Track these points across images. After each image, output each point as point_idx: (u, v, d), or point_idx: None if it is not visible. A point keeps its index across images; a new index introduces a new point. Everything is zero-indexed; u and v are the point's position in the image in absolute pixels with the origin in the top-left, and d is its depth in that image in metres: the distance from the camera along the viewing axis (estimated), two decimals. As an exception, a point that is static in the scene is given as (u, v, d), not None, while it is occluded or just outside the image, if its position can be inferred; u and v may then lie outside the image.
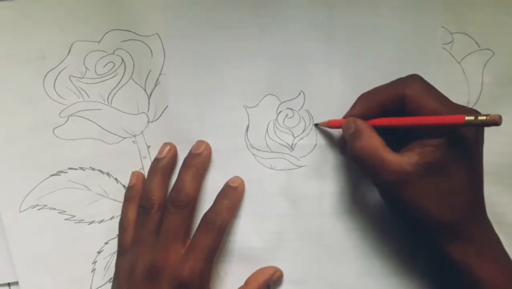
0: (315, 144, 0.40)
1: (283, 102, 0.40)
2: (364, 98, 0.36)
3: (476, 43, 0.40)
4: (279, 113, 0.40)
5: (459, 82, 0.40)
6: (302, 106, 0.40)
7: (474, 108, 0.39)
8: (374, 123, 0.35)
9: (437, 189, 0.32)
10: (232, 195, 0.39)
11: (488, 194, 0.34)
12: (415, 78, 0.35)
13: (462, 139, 0.32)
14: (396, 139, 0.35)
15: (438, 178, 0.32)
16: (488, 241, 0.34)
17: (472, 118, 0.29)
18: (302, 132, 0.40)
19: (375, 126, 0.35)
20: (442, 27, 0.39)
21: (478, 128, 0.33)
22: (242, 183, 0.40)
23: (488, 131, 0.34)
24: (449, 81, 0.39)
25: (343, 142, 0.39)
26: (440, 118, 0.31)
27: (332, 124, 0.38)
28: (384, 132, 0.35)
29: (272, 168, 0.40)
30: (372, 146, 0.33)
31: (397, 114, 0.34)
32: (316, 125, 0.40)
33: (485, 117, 0.29)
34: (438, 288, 0.39)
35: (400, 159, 0.32)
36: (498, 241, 0.34)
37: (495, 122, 0.28)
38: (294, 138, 0.40)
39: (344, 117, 0.37)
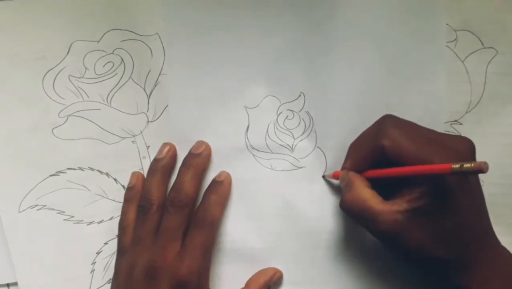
0: (315, 146, 0.40)
1: (284, 103, 0.40)
2: (351, 153, 0.37)
3: (480, 41, 0.39)
4: (279, 114, 0.40)
5: (462, 81, 0.39)
6: (302, 107, 0.40)
7: (476, 108, 0.40)
8: (366, 175, 0.35)
9: (433, 229, 0.32)
10: (219, 189, 0.39)
11: (488, 195, 0.34)
12: (389, 126, 0.34)
13: (448, 183, 0.32)
14: (391, 184, 0.34)
15: (432, 220, 0.32)
16: (497, 267, 0.33)
17: (458, 166, 0.29)
18: (302, 134, 0.40)
19: (367, 177, 0.35)
20: (446, 24, 0.39)
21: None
22: (227, 176, 0.40)
23: (488, 131, 0.33)
24: (452, 80, 0.39)
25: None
26: (426, 168, 0.31)
27: (337, 176, 0.38)
28: (378, 180, 0.35)
29: (272, 169, 0.40)
30: (361, 198, 0.34)
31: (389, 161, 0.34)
32: (323, 176, 0.40)
33: (470, 165, 0.28)
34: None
35: (390, 208, 0.32)
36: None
37: (481, 170, 0.28)
38: (294, 139, 0.40)
39: (341, 169, 0.38)
